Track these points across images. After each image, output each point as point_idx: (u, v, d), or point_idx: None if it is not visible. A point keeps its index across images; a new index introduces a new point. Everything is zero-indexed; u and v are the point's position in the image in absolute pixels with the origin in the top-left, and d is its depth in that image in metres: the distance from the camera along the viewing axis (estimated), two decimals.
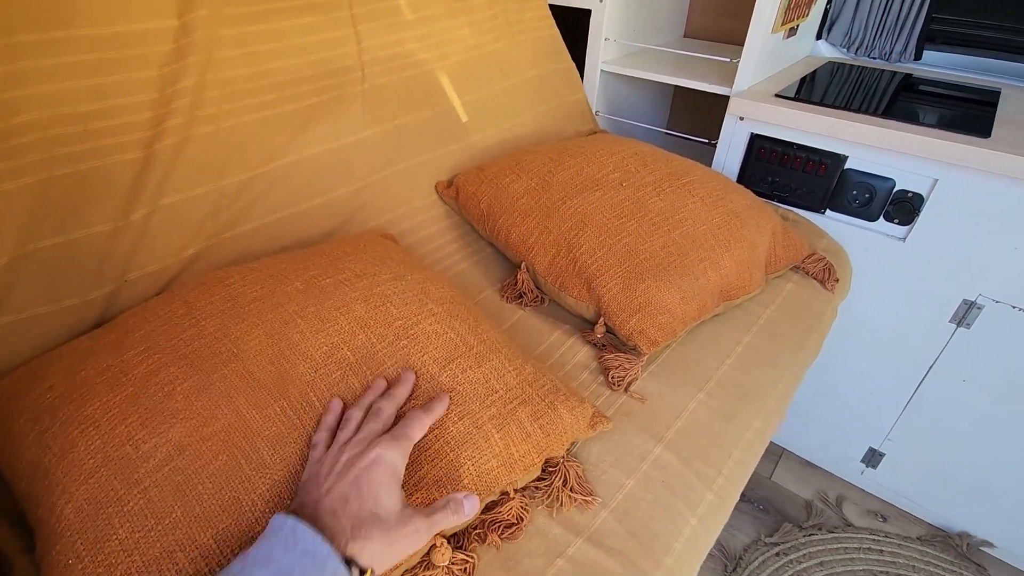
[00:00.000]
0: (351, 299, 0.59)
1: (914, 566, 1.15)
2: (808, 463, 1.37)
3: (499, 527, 0.55)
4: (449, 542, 0.52)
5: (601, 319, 0.80)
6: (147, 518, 0.42)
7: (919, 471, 1.20)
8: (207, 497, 0.44)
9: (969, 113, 1.02)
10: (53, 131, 0.64)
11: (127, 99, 0.70)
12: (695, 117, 1.62)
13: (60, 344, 0.61)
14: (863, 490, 1.31)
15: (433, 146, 1.02)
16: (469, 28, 1.07)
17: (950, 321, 1.04)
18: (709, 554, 1.17)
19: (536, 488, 0.59)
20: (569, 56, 1.26)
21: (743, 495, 1.30)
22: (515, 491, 0.56)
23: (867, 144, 0.99)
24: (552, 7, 1.24)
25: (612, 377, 0.74)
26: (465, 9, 1.06)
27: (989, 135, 0.91)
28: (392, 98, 0.96)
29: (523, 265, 0.89)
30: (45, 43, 0.64)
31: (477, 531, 0.54)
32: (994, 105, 1.05)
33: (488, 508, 0.55)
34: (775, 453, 1.39)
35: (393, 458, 0.45)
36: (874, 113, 0.99)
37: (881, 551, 1.17)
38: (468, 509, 0.48)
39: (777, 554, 1.16)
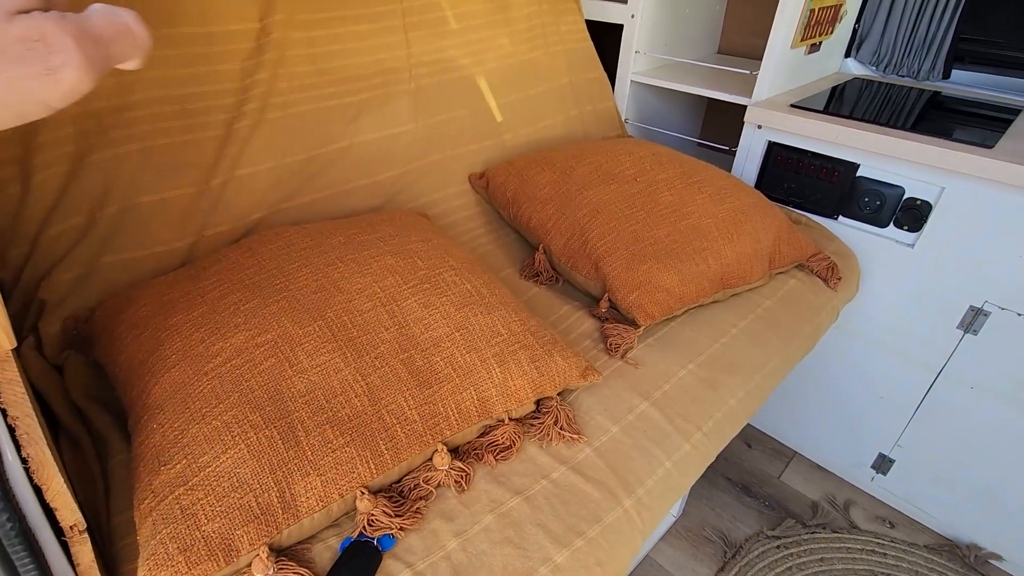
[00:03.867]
0: (384, 251, 0.70)
1: (917, 571, 1.16)
2: (819, 467, 1.39)
3: (495, 449, 0.64)
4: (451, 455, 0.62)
5: (606, 295, 0.88)
6: (211, 399, 0.54)
7: (929, 478, 1.21)
8: (256, 388, 0.55)
9: (982, 127, 1.06)
10: (157, 108, 0.79)
11: (215, 86, 0.84)
12: (725, 129, 1.69)
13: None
14: (873, 496, 1.32)
15: (468, 141, 1.13)
16: (507, 38, 1.19)
17: (958, 327, 1.06)
18: (709, 540, 1.23)
19: (531, 425, 0.68)
20: (601, 67, 1.36)
21: (749, 490, 1.34)
22: (510, 419, 0.65)
23: (876, 152, 1.04)
24: (587, 21, 1.35)
25: (610, 344, 0.82)
26: (504, 21, 1.18)
27: (993, 146, 0.95)
28: (435, 97, 1.09)
29: (541, 247, 0.99)
30: (155, 38, 0.79)
31: (476, 451, 0.64)
32: (1011, 121, 1.09)
33: (485, 432, 0.65)
34: (786, 455, 1.42)
35: None
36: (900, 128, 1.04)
37: (885, 554, 1.19)
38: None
39: (778, 547, 1.20)
